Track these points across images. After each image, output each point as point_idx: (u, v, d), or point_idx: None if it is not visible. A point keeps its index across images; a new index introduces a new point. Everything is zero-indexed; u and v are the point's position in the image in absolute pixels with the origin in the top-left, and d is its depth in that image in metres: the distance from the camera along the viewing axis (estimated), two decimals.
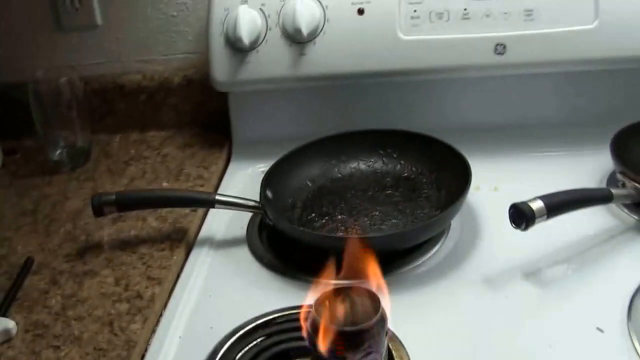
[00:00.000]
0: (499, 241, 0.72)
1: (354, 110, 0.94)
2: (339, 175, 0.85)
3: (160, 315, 0.66)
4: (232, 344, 0.59)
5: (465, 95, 0.92)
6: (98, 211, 0.73)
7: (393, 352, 0.58)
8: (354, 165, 0.86)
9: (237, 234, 0.78)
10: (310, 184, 0.83)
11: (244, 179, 0.90)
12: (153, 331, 0.64)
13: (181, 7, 1.00)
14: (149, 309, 0.65)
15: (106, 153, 0.99)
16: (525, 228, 0.66)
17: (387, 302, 0.53)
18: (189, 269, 0.73)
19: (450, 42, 0.86)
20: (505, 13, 0.86)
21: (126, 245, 0.75)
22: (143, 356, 0.61)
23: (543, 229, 0.66)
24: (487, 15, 0.87)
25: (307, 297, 0.54)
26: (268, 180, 0.78)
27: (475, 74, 0.89)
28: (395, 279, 0.67)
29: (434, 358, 0.58)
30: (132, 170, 0.93)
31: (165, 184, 0.88)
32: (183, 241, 0.75)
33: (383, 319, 0.52)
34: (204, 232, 0.80)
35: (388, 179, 0.83)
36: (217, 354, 0.58)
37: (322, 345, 0.52)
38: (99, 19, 1.01)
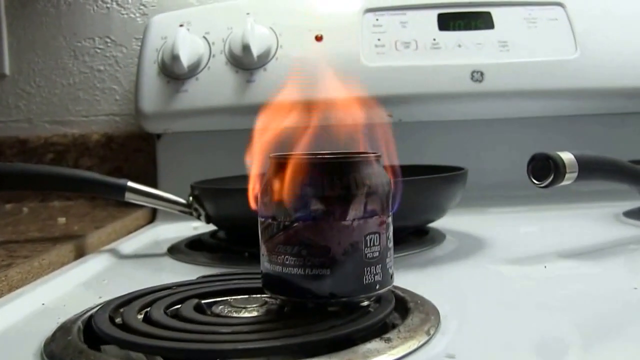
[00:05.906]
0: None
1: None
2: None
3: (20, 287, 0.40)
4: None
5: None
6: None
7: (407, 299, 0.35)
8: None
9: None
10: None
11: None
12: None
13: (110, 61, 0.87)
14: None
15: None
16: (551, 183, 0.48)
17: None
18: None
19: (422, 70, 0.76)
20: (479, 44, 0.78)
21: None
22: None
23: None
24: (459, 46, 0.78)
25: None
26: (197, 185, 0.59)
27: (450, 103, 0.77)
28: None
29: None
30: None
31: (61, 219, 0.65)
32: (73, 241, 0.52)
33: (384, 172, 0.33)
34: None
35: None
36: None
37: (290, 191, 0.30)
38: (6, 68, 0.86)
